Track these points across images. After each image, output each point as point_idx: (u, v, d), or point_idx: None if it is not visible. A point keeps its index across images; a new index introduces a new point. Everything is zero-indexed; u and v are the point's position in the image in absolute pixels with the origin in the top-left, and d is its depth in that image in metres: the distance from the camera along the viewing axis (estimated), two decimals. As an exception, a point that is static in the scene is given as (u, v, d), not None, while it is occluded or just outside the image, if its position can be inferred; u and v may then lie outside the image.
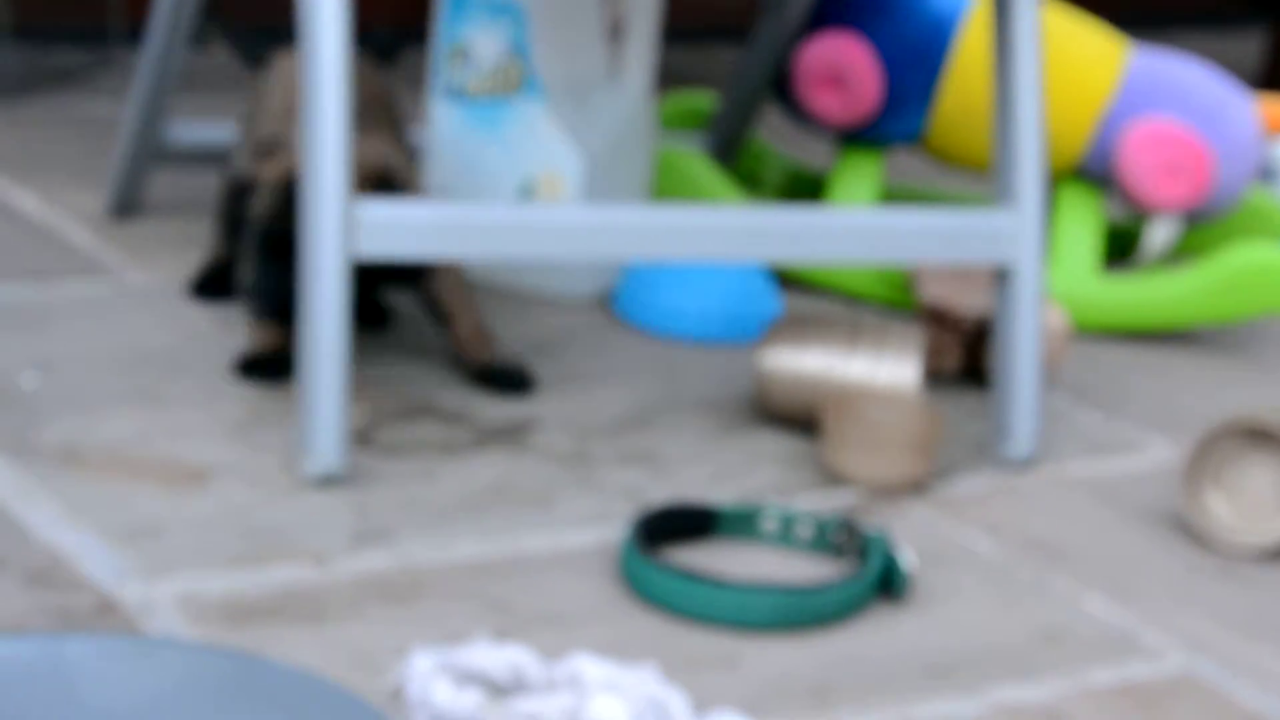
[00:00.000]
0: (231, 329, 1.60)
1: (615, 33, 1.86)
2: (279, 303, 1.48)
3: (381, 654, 1.12)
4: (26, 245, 1.78)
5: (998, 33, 1.51)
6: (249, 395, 1.47)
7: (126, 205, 1.88)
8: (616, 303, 1.77)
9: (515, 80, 1.80)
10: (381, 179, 1.49)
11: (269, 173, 1.49)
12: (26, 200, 1.91)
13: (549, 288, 1.80)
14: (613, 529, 1.32)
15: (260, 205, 1.49)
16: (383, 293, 1.65)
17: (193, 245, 1.80)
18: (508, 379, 1.53)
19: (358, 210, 1.34)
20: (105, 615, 1.11)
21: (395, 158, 1.51)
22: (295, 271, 1.45)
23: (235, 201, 1.60)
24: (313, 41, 1.34)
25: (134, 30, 2.26)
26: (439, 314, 1.54)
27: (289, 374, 1.50)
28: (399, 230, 1.37)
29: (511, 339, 1.67)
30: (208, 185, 1.98)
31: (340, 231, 1.33)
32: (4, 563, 1.16)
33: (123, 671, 0.92)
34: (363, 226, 1.35)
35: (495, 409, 1.50)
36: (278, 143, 1.53)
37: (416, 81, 2.33)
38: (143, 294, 1.66)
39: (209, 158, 1.90)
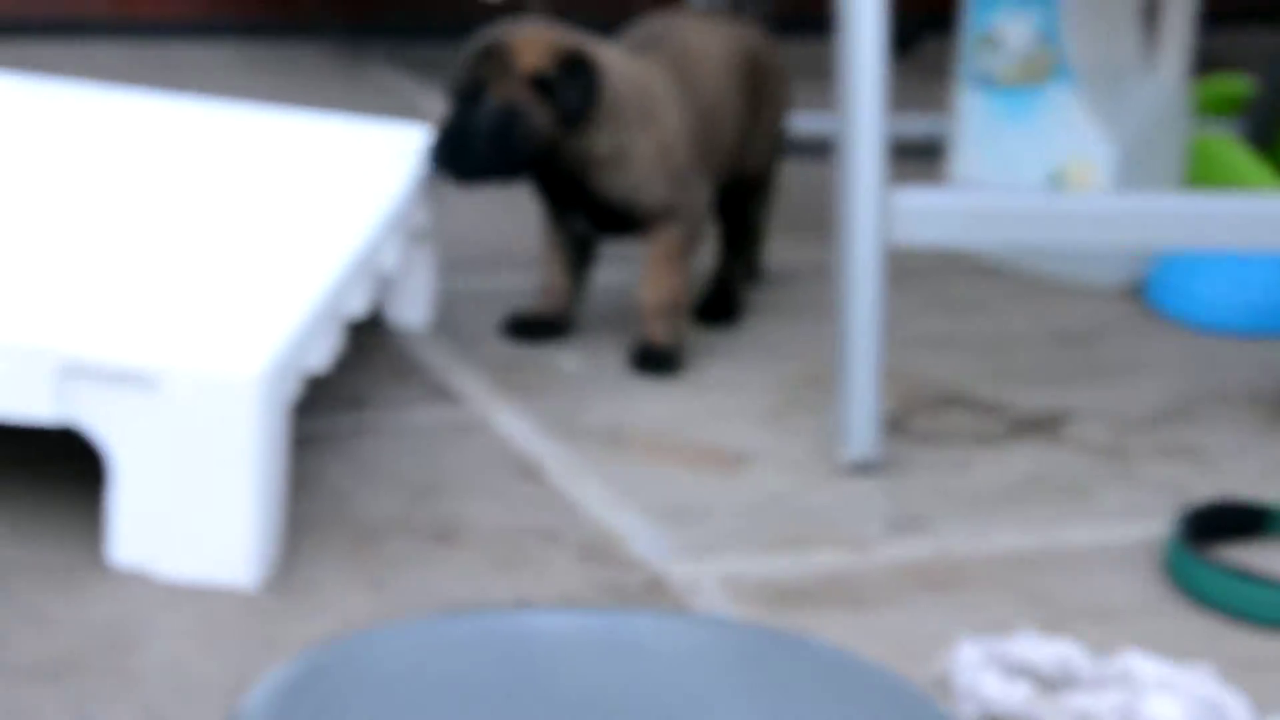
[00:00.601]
0: (736, 329, 1.62)
1: (1150, 16, 1.81)
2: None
3: (922, 641, 1.11)
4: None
5: None
6: (780, 381, 1.49)
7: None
8: (1149, 292, 1.71)
9: (1045, 67, 1.77)
10: (570, 60, 1.42)
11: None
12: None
13: (1076, 276, 1.76)
14: (1155, 524, 1.28)
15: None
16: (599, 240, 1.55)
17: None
18: (650, 360, 1.47)
19: (894, 199, 1.34)
20: (654, 593, 1.14)
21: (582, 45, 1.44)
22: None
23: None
24: (850, 31, 1.34)
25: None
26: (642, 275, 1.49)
27: (548, 337, 1.52)
28: (934, 217, 1.36)
29: (1040, 329, 1.64)
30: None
31: (876, 220, 1.34)
32: (560, 539, 1.21)
33: (678, 646, 0.94)
34: (898, 215, 1.35)
35: (1028, 400, 1.48)
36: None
37: (937, 71, 2.32)
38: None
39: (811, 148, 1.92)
